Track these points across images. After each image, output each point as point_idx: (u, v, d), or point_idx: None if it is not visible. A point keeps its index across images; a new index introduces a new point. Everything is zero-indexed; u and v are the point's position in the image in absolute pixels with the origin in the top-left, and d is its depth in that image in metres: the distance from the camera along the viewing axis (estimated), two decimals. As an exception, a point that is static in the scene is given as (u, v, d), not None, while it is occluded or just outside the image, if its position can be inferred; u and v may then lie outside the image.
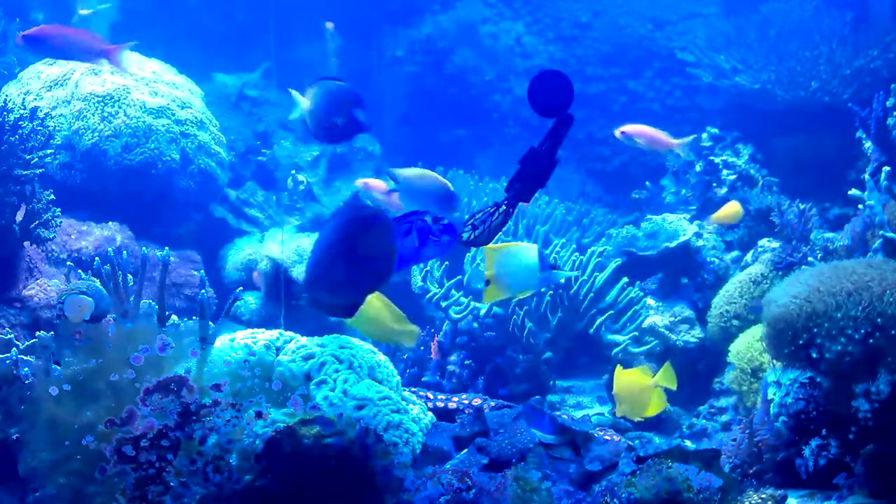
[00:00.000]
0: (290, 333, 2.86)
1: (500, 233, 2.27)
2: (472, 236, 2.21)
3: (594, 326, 3.94)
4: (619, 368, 3.24)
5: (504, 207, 2.20)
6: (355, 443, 1.99)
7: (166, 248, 3.06)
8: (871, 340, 2.40)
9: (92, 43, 3.05)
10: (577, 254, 4.13)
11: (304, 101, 2.40)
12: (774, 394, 2.59)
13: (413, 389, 3.25)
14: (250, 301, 4.42)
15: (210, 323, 2.54)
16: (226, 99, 5.95)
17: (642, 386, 3.09)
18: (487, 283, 2.76)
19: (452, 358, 3.91)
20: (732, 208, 4.50)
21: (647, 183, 5.54)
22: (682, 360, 4.17)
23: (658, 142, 4.24)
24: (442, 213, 2.20)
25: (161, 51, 5.06)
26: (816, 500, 2.43)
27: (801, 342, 2.52)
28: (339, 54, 6.15)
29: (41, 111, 3.41)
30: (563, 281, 3.75)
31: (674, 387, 3.15)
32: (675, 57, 5.83)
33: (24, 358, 2.52)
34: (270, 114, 6.09)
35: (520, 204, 2.27)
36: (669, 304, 4.33)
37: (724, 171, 5.05)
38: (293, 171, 5.55)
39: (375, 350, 2.93)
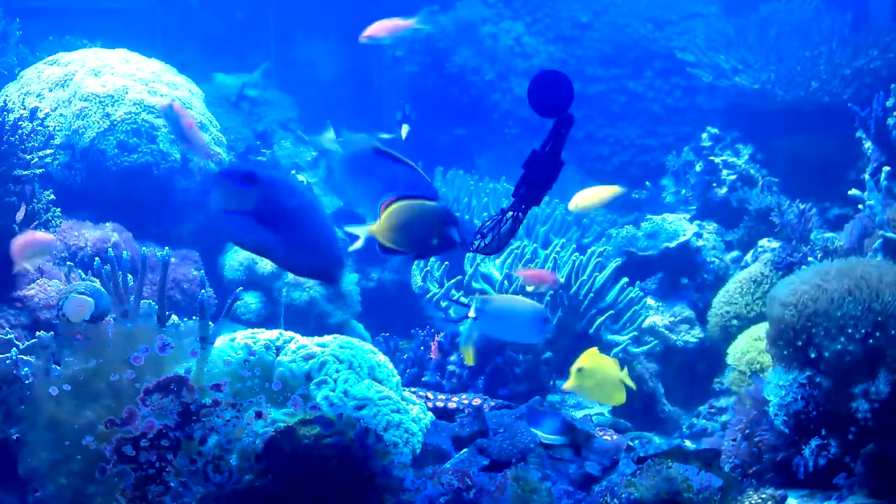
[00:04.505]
0: (290, 333, 2.87)
1: (512, 238, 2.24)
2: (483, 244, 2.21)
3: (594, 326, 3.94)
4: (595, 349, 3.20)
5: (512, 213, 2.19)
6: (355, 443, 1.99)
7: (166, 248, 3.06)
8: (870, 340, 2.40)
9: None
10: (576, 254, 4.13)
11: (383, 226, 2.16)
12: (774, 394, 2.59)
13: (413, 389, 3.25)
14: (250, 301, 4.42)
15: (210, 323, 2.53)
16: (226, 99, 5.95)
17: (612, 375, 3.06)
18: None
19: (452, 358, 3.91)
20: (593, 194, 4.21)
21: (647, 183, 5.54)
22: (682, 360, 4.18)
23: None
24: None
25: (161, 51, 5.06)
26: (816, 500, 2.43)
27: (800, 342, 2.52)
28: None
29: (41, 111, 3.41)
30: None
31: (633, 386, 3.16)
32: (675, 57, 5.83)
33: (24, 358, 2.53)
34: (270, 114, 6.08)
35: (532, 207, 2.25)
36: (669, 304, 4.34)
37: (724, 171, 5.05)
38: (293, 172, 5.55)
39: (375, 350, 2.94)
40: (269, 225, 1.99)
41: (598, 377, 3.02)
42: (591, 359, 3.04)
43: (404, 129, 3.60)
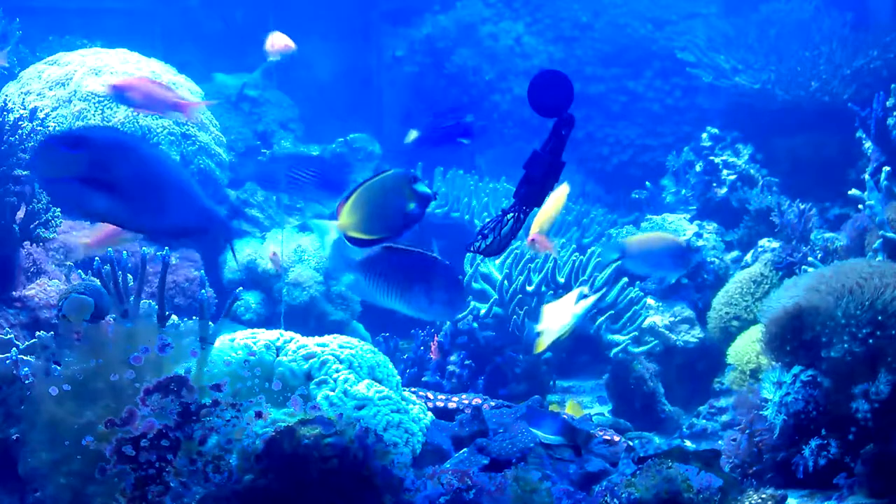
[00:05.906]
0: (290, 333, 2.86)
1: (513, 239, 2.24)
2: (483, 245, 2.20)
3: (594, 326, 3.94)
4: None
5: (513, 214, 2.18)
6: (355, 442, 1.99)
7: (166, 248, 3.06)
8: (871, 340, 2.40)
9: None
10: (577, 254, 4.13)
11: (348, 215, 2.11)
12: (774, 394, 2.59)
13: (413, 389, 3.25)
14: (250, 301, 4.42)
15: (210, 323, 2.53)
16: (226, 99, 5.95)
17: None
18: (538, 333, 2.96)
19: (452, 358, 3.91)
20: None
21: (647, 183, 5.54)
22: (682, 360, 4.18)
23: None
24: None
25: (161, 51, 5.06)
26: (816, 500, 2.43)
27: (798, 342, 2.52)
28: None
29: (41, 111, 3.41)
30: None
31: (578, 415, 3.23)
32: (675, 57, 5.83)
33: (24, 358, 2.52)
34: (270, 114, 6.09)
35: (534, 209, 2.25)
36: (669, 304, 4.33)
37: (724, 171, 5.05)
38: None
39: (375, 350, 2.94)
40: (107, 189, 1.84)
41: None
42: None
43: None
